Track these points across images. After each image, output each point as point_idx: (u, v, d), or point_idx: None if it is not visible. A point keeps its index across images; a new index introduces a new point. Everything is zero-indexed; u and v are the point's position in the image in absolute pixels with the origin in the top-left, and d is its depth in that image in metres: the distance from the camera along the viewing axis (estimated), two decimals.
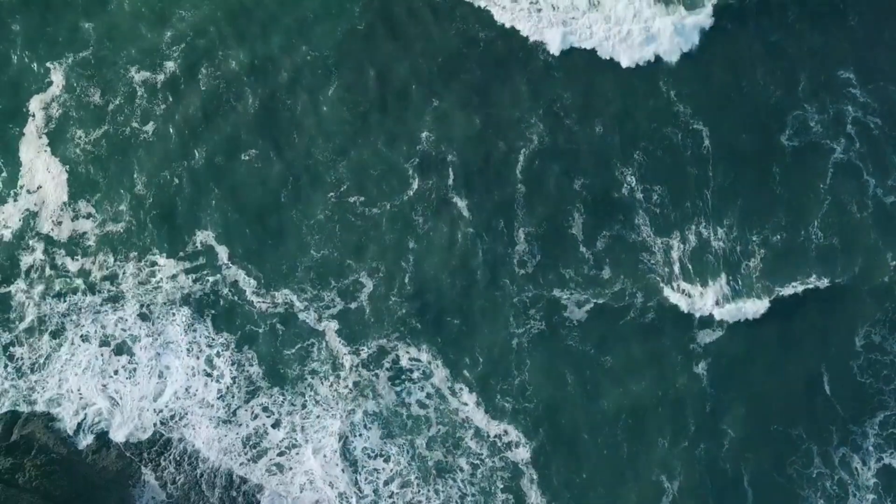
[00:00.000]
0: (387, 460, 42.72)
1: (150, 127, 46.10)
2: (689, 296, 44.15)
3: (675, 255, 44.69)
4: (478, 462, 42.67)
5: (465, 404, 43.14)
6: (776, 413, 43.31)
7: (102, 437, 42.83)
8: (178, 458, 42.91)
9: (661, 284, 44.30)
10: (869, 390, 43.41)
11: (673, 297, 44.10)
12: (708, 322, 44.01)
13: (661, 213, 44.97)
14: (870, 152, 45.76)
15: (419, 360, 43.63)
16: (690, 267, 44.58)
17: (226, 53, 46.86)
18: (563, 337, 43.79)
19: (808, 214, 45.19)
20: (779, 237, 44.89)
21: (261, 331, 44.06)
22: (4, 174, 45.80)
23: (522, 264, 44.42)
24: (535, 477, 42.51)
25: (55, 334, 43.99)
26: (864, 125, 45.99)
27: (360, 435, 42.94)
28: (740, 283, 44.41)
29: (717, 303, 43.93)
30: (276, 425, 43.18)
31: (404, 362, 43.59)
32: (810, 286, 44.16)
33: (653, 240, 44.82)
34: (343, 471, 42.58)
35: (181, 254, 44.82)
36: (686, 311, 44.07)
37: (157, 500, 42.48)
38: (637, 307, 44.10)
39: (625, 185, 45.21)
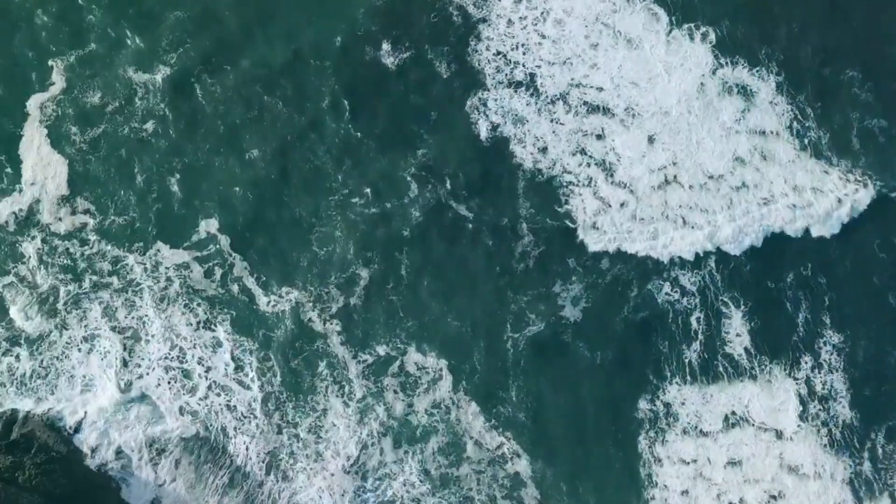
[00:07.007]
0: (395, 466, 42.75)
1: (149, 126, 46.09)
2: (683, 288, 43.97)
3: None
4: (480, 469, 42.67)
5: (467, 414, 43.14)
6: None
7: (102, 436, 42.98)
8: (178, 457, 43.02)
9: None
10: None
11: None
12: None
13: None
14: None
15: (425, 368, 43.58)
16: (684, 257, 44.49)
17: (227, 54, 46.86)
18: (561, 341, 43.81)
19: None
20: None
21: (265, 335, 44.09)
22: (9, 169, 45.89)
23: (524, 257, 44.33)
24: (533, 485, 42.52)
25: (58, 331, 44.20)
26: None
27: (372, 445, 42.98)
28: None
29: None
30: (279, 431, 43.20)
31: (410, 368, 43.54)
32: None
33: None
34: (352, 477, 42.67)
35: (186, 243, 44.86)
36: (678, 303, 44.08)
37: (157, 499, 42.61)
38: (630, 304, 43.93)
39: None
